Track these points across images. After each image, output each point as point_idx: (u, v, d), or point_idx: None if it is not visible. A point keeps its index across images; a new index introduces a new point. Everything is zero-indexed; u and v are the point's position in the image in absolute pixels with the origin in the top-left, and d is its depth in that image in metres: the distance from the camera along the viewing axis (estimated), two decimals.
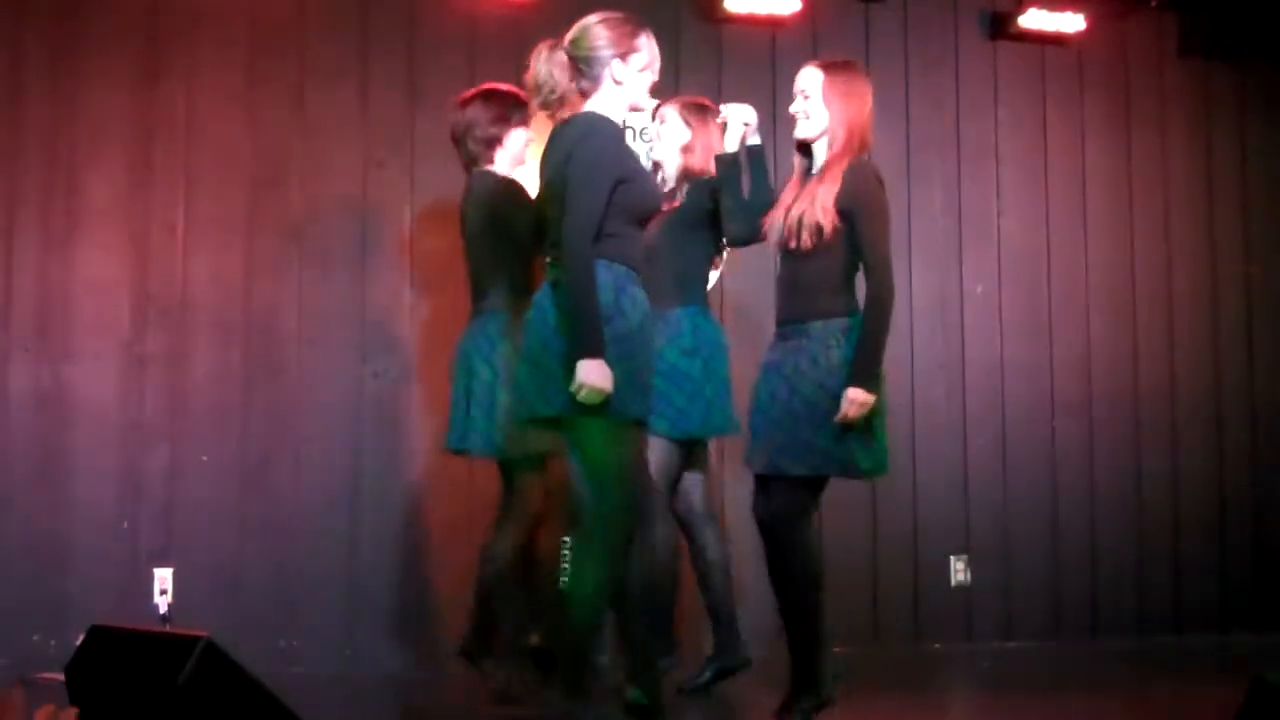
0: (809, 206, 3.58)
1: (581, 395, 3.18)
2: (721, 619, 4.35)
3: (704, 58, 5.51)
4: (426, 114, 5.05)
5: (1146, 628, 5.80)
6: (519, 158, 4.22)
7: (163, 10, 4.97)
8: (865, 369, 3.48)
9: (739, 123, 3.94)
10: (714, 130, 4.23)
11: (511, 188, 4.16)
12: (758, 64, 5.54)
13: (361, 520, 4.94)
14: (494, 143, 4.14)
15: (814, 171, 3.71)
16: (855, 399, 3.44)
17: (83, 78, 4.87)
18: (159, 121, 4.94)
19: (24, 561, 4.67)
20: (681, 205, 4.35)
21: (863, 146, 3.66)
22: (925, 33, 5.77)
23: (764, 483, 3.63)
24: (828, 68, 3.70)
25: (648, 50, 3.47)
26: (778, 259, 3.78)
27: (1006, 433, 5.70)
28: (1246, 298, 6.10)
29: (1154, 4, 5.94)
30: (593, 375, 3.17)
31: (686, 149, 4.40)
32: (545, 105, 3.53)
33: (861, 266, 3.60)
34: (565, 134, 3.42)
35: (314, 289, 5.03)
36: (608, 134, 3.38)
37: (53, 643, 4.58)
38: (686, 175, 4.38)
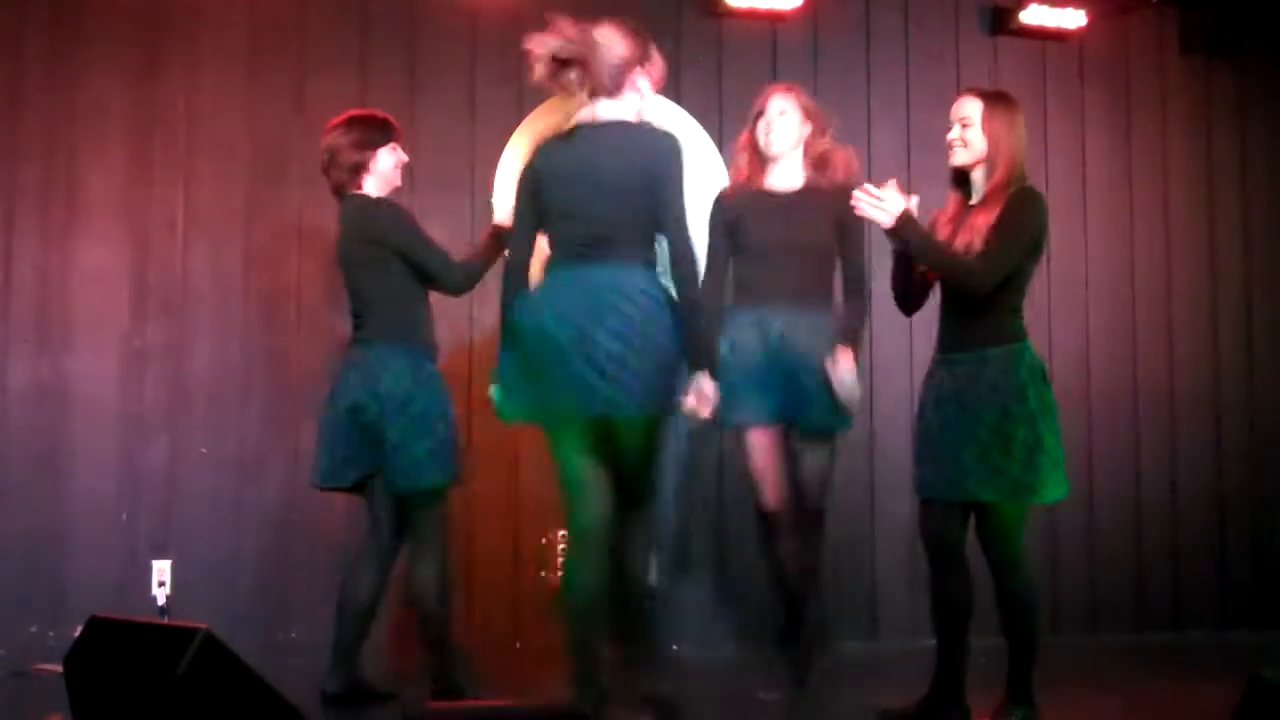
0: (973, 237, 3.63)
1: (687, 407, 3.32)
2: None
3: (704, 53, 5.51)
4: (426, 107, 5.05)
5: (1145, 624, 5.80)
6: (389, 179, 4.04)
7: (163, 4, 4.98)
8: None
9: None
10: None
11: (382, 209, 3.98)
12: (758, 59, 5.54)
13: (359, 513, 4.93)
14: (359, 169, 3.98)
15: (973, 200, 3.76)
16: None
17: (83, 70, 4.87)
18: (159, 114, 4.94)
19: (23, 553, 4.68)
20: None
21: (1023, 175, 3.72)
22: (926, 28, 5.77)
23: (937, 507, 3.69)
24: (987, 96, 3.74)
25: (660, 65, 3.51)
26: (941, 287, 3.80)
27: None
28: (1246, 294, 6.10)
29: (1155, 0, 5.94)
30: (709, 389, 3.29)
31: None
32: (563, 72, 3.50)
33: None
34: (637, 137, 3.39)
35: (313, 282, 5.03)
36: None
37: (51, 634, 4.59)
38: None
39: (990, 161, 3.70)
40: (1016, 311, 3.72)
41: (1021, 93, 5.79)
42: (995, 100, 3.74)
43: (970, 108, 3.72)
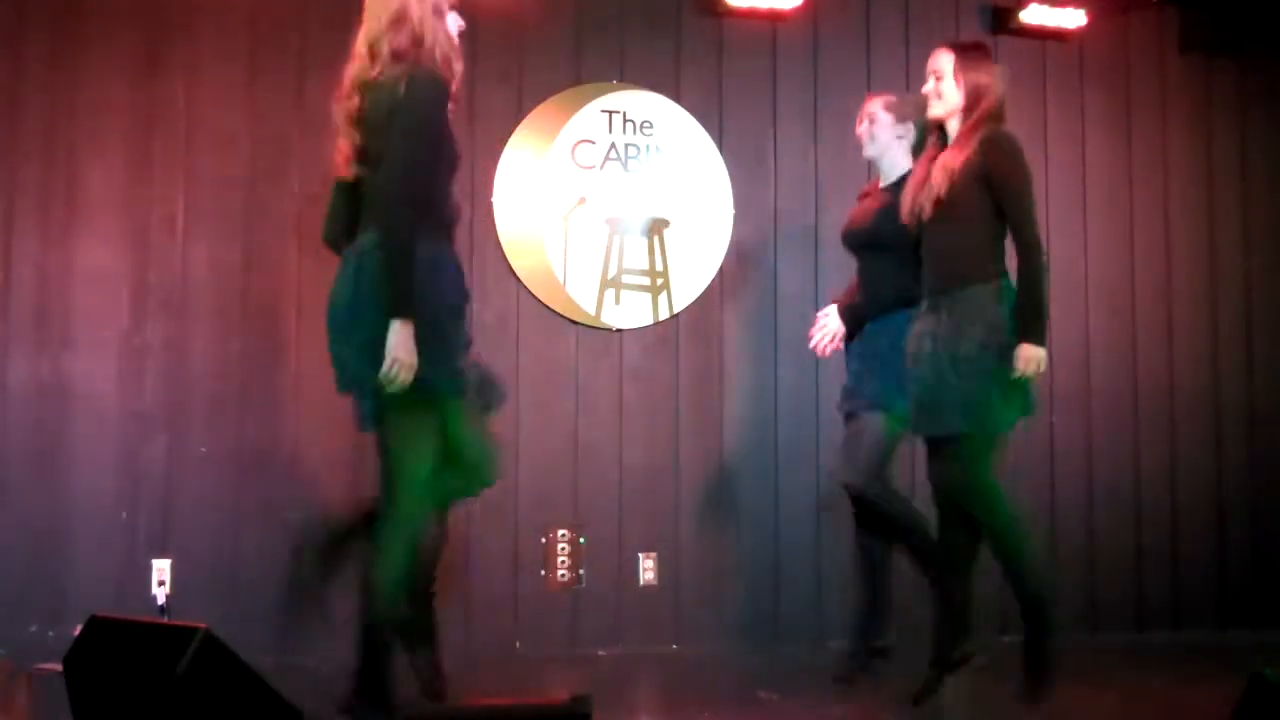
0: (943, 177, 3.77)
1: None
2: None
3: (705, 51, 5.51)
4: None
5: (1144, 623, 5.80)
6: None
7: (163, 3, 4.97)
8: (1034, 324, 3.69)
9: None
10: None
11: None
12: (759, 58, 5.54)
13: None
14: None
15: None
16: (1030, 355, 3.67)
17: (83, 68, 4.87)
18: (159, 113, 4.94)
19: (22, 552, 4.68)
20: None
21: (997, 118, 3.83)
22: (926, 27, 5.76)
23: (936, 446, 3.87)
24: (958, 48, 3.91)
25: None
26: (919, 232, 3.93)
27: None
28: (1246, 292, 6.10)
29: (1155, 0, 5.94)
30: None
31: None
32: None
33: (1010, 230, 3.78)
34: None
35: (313, 281, 5.02)
36: None
37: (51, 633, 4.58)
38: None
39: (967, 111, 3.85)
40: (992, 250, 3.84)
41: (1021, 93, 5.85)
42: (967, 51, 3.89)
43: (944, 61, 3.89)
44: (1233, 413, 6.02)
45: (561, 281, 5.26)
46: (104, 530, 4.75)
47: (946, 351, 3.74)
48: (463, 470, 3.38)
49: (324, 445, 4.96)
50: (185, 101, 4.97)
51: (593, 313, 5.30)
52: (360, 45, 3.29)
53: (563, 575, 5.18)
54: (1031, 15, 5.74)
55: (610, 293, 5.33)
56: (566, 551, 5.18)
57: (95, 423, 4.79)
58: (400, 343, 3.10)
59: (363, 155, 3.30)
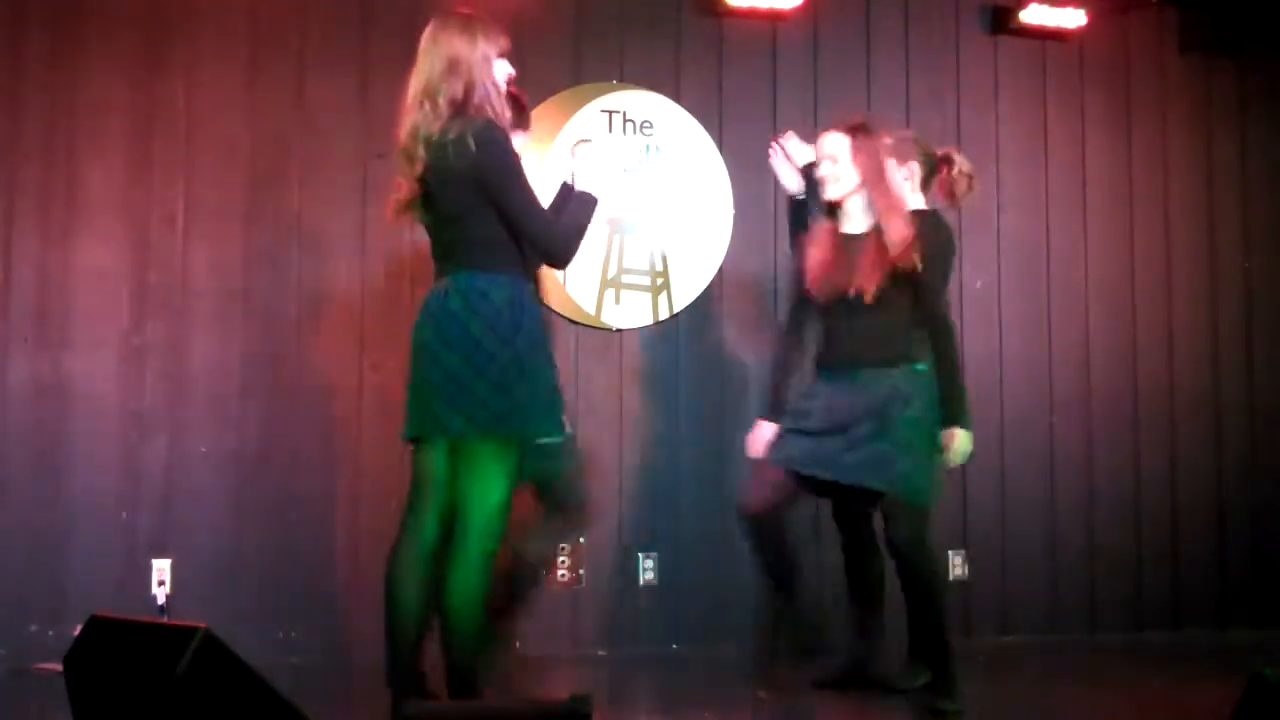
0: (867, 265, 3.92)
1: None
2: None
3: (705, 52, 5.51)
4: None
5: (1144, 623, 5.80)
6: None
7: (163, 3, 4.97)
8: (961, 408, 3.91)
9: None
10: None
11: None
12: (759, 58, 5.54)
13: (360, 511, 4.94)
14: None
15: (849, 228, 4.05)
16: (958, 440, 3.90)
17: (83, 68, 4.87)
18: (159, 112, 4.94)
19: (22, 551, 4.68)
20: None
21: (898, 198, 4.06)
22: (926, 27, 5.77)
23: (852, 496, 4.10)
24: (851, 131, 4.04)
25: None
26: (828, 308, 4.06)
27: (1005, 428, 5.70)
28: (1246, 293, 6.10)
29: (1155, 0, 5.94)
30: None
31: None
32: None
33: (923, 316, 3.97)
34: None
35: (313, 280, 5.03)
36: None
37: (51, 633, 4.58)
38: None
39: (867, 191, 4.02)
40: (911, 331, 4.04)
41: (1021, 92, 5.87)
42: (859, 133, 4.03)
43: (835, 144, 4.04)
44: (1233, 413, 6.02)
45: (561, 281, 5.26)
46: (104, 530, 4.75)
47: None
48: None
49: (324, 445, 4.96)
50: (185, 101, 4.96)
51: (593, 313, 5.31)
52: (417, 96, 3.30)
53: (563, 575, 5.18)
54: (1031, 15, 5.74)
55: (610, 293, 5.33)
56: (566, 551, 5.18)
57: (95, 423, 4.79)
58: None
59: (428, 204, 3.35)
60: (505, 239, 3.29)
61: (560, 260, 3.38)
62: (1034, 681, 4.75)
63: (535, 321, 3.32)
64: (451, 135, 3.24)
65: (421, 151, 3.28)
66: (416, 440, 3.38)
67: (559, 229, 3.32)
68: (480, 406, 3.20)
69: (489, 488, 3.24)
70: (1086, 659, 5.21)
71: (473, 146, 3.21)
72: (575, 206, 3.41)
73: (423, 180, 3.30)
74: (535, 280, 3.69)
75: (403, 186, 3.36)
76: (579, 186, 3.44)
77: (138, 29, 4.94)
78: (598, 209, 3.43)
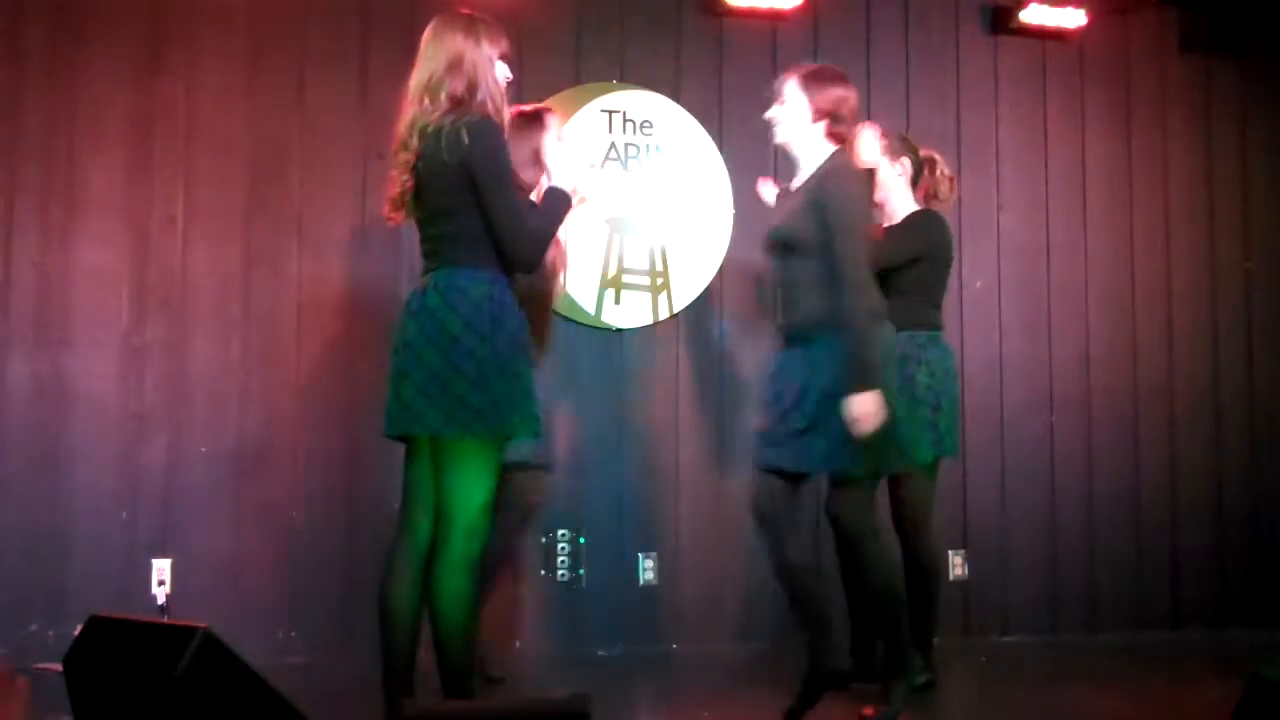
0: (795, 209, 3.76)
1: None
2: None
3: (705, 52, 5.51)
4: None
5: (1144, 623, 5.80)
6: None
7: (163, 3, 4.97)
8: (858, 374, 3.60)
9: None
10: None
11: None
12: (758, 59, 5.53)
13: (359, 511, 4.94)
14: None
15: (794, 183, 3.88)
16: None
17: (83, 68, 4.87)
18: (159, 112, 4.94)
19: (22, 551, 4.68)
20: None
21: (837, 139, 3.79)
22: (926, 27, 5.77)
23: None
24: (800, 72, 3.84)
25: None
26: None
27: (1005, 428, 5.70)
28: (1246, 293, 6.10)
29: (1155, 0, 5.94)
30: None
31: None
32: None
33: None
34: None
35: (313, 280, 5.03)
36: None
37: (51, 633, 4.59)
38: None
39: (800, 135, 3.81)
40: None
41: (1021, 92, 5.87)
42: (809, 79, 3.82)
43: (784, 87, 3.83)
44: (1233, 413, 6.02)
45: (561, 281, 5.25)
46: (104, 530, 4.75)
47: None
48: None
49: (324, 445, 4.96)
50: (185, 101, 4.96)
51: (593, 312, 5.30)
52: (418, 90, 3.30)
53: (563, 575, 5.18)
54: (1031, 15, 5.74)
55: (610, 293, 5.33)
56: (566, 551, 5.18)
57: (95, 422, 4.79)
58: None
59: (419, 198, 3.33)
60: (490, 236, 3.28)
61: (521, 264, 3.33)
62: (1034, 681, 4.75)
63: (516, 319, 3.29)
64: (447, 127, 3.24)
65: (415, 142, 3.28)
66: (405, 441, 3.37)
67: (525, 232, 3.27)
68: (459, 403, 3.18)
69: (471, 487, 3.22)
70: (1086, 659, 5.20)
71: (465, 139, 3.21)
72: (545, 206, 3.40)
73: (415, 172, 3.30)
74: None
75: (396, 180, 3.35)
76: (551, 183, 3.44)
77: (138, 29, 4.94)
78: (572, 208, 3.42)
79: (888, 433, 3.65)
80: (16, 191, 4.80)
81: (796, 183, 3.86)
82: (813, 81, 3.79)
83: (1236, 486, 5.98)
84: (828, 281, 3.65)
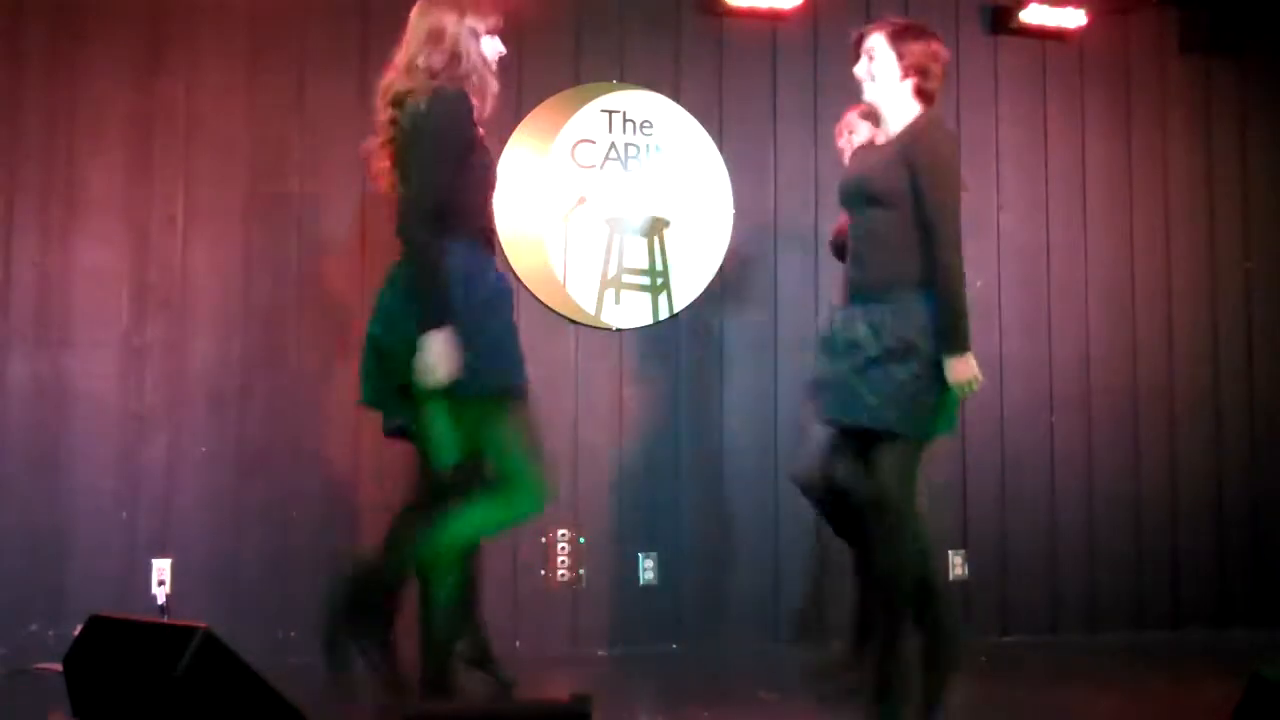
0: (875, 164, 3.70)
1: None
2: None
3: (705, 51, 5.51)
4: None
5: (1144, 623, 5.80)
6: None
7: (163, 3, 4.97)
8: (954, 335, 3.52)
9: None
10: None
11: None
12: (759, 58, 5.54)
13: (360, 511, 4.94)
14: None
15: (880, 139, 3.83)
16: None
17: (82, 68, 4.87)
18: (159, 112, 4.94)
19: (22, 551, 4.67)
20: None
21: (926, 101, 3.68)
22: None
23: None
24: (889, 27, 3.72)
25: None
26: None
27: (1005, 428, 5.70)
28: (1246, 293, 6.10)
29: (1155, 0, 5.94)
30: None
31: None
32: None
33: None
34: None
35: (313, 280, 5.03)
36: None
37: (51, 633, 4.58)
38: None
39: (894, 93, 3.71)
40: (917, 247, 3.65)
41: (1021, 92, 5.87)
42: (899, 31, 3.73)
43: (872, 41, 3.72)
44: (1233, 413, 6.02)
45: (561, 281, 5.26)
46: (104, 530, 4.75)
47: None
48: (510, 497, 3.37)
49: (324, 445, 4.96)
50: (185, 101, 4.96)
51: (593, 312, 5.30)
52: (399, 59, 3.31)
53: (563, 575, 5.18)
54: (1031, 15, 5.74)
55: (610, 292, 5.33)
56: (566, 551, 5.18)
57: (95, 422, 4.79)
58: (433, 353, 3.15)
59: (394, 166, 3.35)
60: (456, 206, 3.26)
61: (397, 230, 3.27)
62: (1034, 681, 4.75)
63: (490, 289, 3.29)
64: (413, 96, 3.24)
65: (389, 110, 3.31)
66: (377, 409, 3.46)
67: (417, 211, 3.21)
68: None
69: (445, 446, 3.26)
70: (1086, 659, 5.20)
71: (422, 108, 3.21)
72: (429, 285, 3.24)
73: (388, 140, 3.32)
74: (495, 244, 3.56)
75: (378, 157, 3.39)
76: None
77: (138, 29, 4.93)
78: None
79: (943, 398, 3.54)
80: (16, 191, 4.80)
81: (881, 138, 3.81)
82: (902, 37, 3.68)
83: (1236, 487, 5.98)
84: (904, 239, 3.57)
